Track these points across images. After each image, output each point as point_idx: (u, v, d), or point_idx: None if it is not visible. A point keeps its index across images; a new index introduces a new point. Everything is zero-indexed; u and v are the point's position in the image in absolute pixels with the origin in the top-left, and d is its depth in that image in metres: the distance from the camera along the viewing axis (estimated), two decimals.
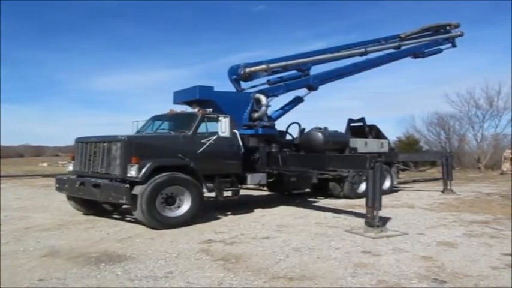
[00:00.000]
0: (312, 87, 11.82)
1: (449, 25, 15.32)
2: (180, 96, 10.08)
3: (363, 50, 12.58)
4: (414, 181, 18.83)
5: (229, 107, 9.49)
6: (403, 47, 14.03)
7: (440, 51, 15.36)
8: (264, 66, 10.53)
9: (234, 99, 10.09)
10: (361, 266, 4.99)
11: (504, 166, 24.57)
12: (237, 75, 10.47)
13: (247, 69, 10.37)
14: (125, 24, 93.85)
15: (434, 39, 14.95)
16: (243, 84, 10.80)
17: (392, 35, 14.02)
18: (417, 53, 14.54)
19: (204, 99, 9.35)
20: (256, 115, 10.15)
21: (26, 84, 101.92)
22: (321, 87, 12.05)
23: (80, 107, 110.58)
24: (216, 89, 9.68)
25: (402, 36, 14.04)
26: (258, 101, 10.29)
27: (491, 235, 6.77)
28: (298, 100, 11.80)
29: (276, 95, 10.97)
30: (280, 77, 11.36)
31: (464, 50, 60.88)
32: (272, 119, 10.76)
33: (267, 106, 10.38)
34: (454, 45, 15.63)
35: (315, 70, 11.97)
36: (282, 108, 11.57)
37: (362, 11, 69.63)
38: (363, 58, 12.91)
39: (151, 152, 7.69)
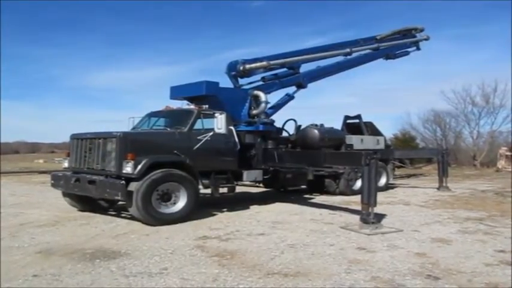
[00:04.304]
0: (301, 85, 11.94)
1: (415, 29, 16.06)
2: (180, 92, 9.98)
3: (348, 50, 12.90)
4: (409, 176, 18.94)
5: (232, 103, 9.53)
6: (380, 48, 14.50)
7: (408, 53, 16.13)
8: (264, 63, 10.52)
9: (235, 96, 10.10)
10: (355, 263, 5.01)
11: (499, 163, 24.68)
12: (235, 71, 10.43)
13: (247, 66, 10.32)
14: (122, 20, 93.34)
15: (403, 43, 15.60)
16: (240, 81, 10.79)
17: (369, 36, 14.47)
18: (390, 54, 15.13)
19: (209, 95, 9.32)
20: (255, 112, 10.13)
21: (21, 81, 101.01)
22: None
23: (76, 104, 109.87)
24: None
25: (378, 38, 14.54)
26: (256, 97, 10.28)
27: (486, 232, 6.81)
28: (288, 98, 11.85)
29: (270, 92, 10.98)
30: (275, 74, 11.39)
31: (461, 47, 61.29)
32: (269, 116, 10.77)
33: (267, 103, 10.39)
34: (418, 48, 16.40)
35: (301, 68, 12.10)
36: (274, 105, 11.57)
37: (359, 8, 69.56)
38: (342, 58, 13.19)
39: (147, 148, 7.67)
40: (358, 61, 13.94)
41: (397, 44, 15.20)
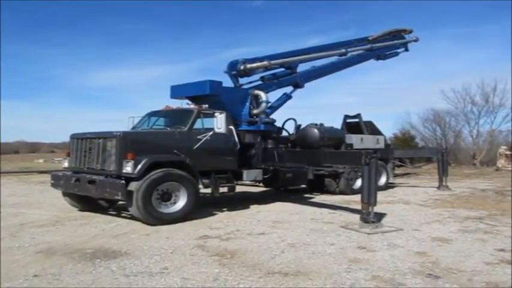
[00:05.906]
0: (298, 85, 11.96)
1: (405, 31, 16.18)
2: (182, 91, 9.95)
3: (343, 50, 13.02)
4: (408, 174, 18.96)
5: (233, 103, 9.55)
6: (373, 49, 14.59)
7: (397, 54, 16.21)
8: (265, 62, 10.51)
9: (236, 95, 10.08)
10: (355, 262, 5.02)
11: (499, 162, 24.72)
12: (236, 70, 10.41)
13: (248, 65, 10.30)
14: (121, 20, 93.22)
15: (394, 44, 15.70)
16: (240, 80, 10.78)
17: (362, 37, 14.56)
18: (380, 55, 15.21)
19: (212, 95, 9.31)
20: (255, 111, 10.11)
21: (21, 80, 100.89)
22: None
23: (76, 103, 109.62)
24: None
25: (370, 39, 14.61)
26: (257, 97, 10.27)
27: (486, 231, 6.82)
28: (286, 97, 11.87)
29: (268, 92, 10.98)
30: (273, 74, 11.40)
31: (461, 47, 61.31)
32: (268, 115, 10.76)
33: (267, 102, 10.39)
34: (406, 49, 16.51)
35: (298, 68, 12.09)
36: (273, 105, 11.57)
37: (359, 8, 69.52)
38: (337, 58, 13.28)
39: (147, 148, 7.67)
40: (352, 61, 14.03)
41: (389, 45, 15.33)
